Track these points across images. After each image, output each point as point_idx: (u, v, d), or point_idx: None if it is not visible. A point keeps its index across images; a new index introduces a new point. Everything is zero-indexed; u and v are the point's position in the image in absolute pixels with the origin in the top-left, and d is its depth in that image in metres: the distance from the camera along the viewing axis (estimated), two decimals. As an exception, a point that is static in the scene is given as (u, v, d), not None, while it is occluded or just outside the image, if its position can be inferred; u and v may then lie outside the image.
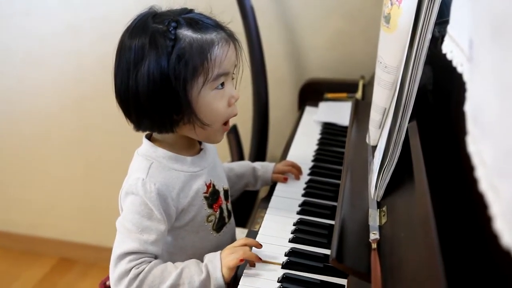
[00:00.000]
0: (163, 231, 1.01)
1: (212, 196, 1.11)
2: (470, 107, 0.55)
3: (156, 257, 1.02)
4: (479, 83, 0.52)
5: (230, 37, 1.05)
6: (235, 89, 1.08)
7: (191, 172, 1.07)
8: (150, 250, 1.00)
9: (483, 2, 0.51)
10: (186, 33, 0.98)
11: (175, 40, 0.96)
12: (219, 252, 1.03)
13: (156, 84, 0.96)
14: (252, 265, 1.03)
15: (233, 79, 1.07)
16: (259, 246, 1.06)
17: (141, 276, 0.98)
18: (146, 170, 1.02)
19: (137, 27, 1.01)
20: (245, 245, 1.04)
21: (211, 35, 1.00)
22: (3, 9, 2.12)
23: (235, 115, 1.07)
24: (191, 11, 1.04)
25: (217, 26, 1.03)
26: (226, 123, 1.07)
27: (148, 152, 1.06)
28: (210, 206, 1.10)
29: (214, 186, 1.12)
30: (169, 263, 1.01)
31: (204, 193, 1.09)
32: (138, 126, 1.04)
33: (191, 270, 1.00)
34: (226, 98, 1.03)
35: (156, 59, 0.96)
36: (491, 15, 0.48)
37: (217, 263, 1.00)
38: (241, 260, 1.00)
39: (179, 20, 0.99)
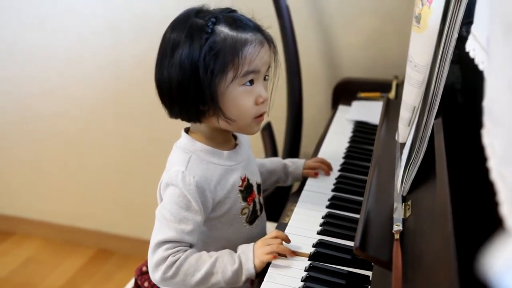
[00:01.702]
0: (200, 221, 1.06)
1: (246, 189, 1.15)
2: (486, 102, 0.58)
3: (191, 246, 1.07)
4: (493, 77, 0.55)
5: (267, 39, 1.08)
6: (271, 91, 1.11)
7: (227, 166, 1.11)
8: (186, 239, 1.05)
9: (497, 0, 0.54)
10: (223, 29, 1.02)
11: (210, 34, 1.01)
12: (252, 244, 1.07)
13: (186, 72, 1.01)
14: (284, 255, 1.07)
15: (265, 80, 1.10)
16: (287, 240, 1.09)
17: (177, 263, 1.03)
18: (186, 163, 1.07)
19: (179, 21, 1.07)
20: (276, 237, 1.07)
21: (247, 35, 1.04)
22: (47, 8, 2.21)
23: (263, 113, 1.10)
24: (234, 11, 1.09)
25: (256, 28, 1.07)
26: (258, 116, 1.09)
27: (187, 145, 1.11)
28: (245, 199, 1.14)
29: (248, 180, 1.16)
30: (204, 252, 1.06)
31: (240, 186, 1.13)
32: (171, 113, 1.09)
33: (224, 260, 1.04)
34: (253, 96, 1.06)
35: (189, 49, 1.01)
36: (503, 13, 0.51)
37: (250, 255, 1.04)
38: (274, 257, 1.03)
39: (219, 16, 1.04)
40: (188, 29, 1.03)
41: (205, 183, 1.06)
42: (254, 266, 1.03)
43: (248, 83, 1.05)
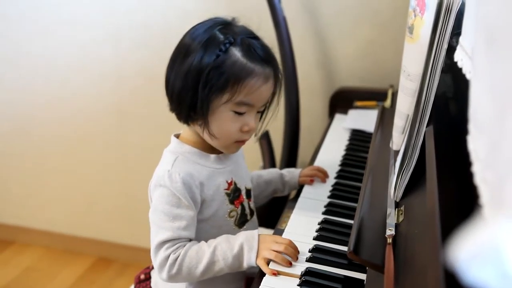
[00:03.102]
0: (193, 216, 1.10)
1: (233, 193, 1.18)
2: (471, 109, 0.61)
3: (190, 240, 1.10)
4: (476, 87, 0.58)
5: (274, 74, 1.12)
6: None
7: (213, 168, 1.15)
8: (183, 235, 1.08)
9: (481, 14, 0.57)
10: (236, 53, 1.06)
11: (223, 52, 1.05)
12: (257, 234, 1.09)
13: (188, 79, 1.06)
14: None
15: (259, 112, 1.14)
16: (295, 258, 1.08)
17: (179, 260, 1.06)
18: (172, 162, 1.12)
19: (203, 27, 1.10)
20: (283, 243, 1.08)
21: (255, 66, 1.07)
22: (50, 18, 2.24)
23: (245, 140, 1.14)
24: (256, 37, 1.11)
25: (267, 61, 1.10)
26: (240, 141, 1.14)
27: (175, 148, 1.16)
28: (232, 202, 1.18)
29: (235, 184, 1.19)
30: (202, 243, 1.09)
31: (225, 189, 1.17)
32: (170, 106, 1.14)
33: (223, 247, 1.07)
34: (240, 123, 1.10)
35: (199, 60, 1.05)
36: (486, 26, 0.54)
37: (254, 247, 1.07)
38: (274, 274, 1.04)
39: (237, 39, 1.07)
40: (206, 39, 1.07)
41: (191, 179, 1.10)
42: (256, 259, 1.06)
43: (239, 113, 1.09)
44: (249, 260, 1.07)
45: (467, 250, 0.31)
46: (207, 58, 1.05)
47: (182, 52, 1.09)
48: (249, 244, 1.07)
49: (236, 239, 1.09)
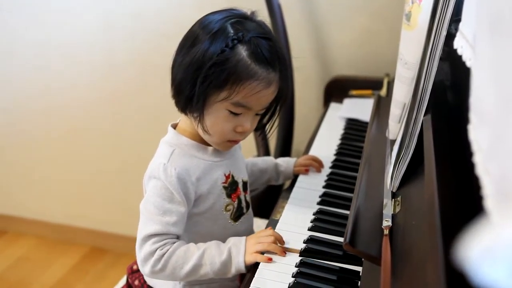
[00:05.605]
0: (184, 212, 1.07)
1: (231, 186, 1.16)
2: (472, 98, 0.59)
3: (178, 237, 1.08)
4: (479, 75, 0.56)
5: (280, 80, 1.07)
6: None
7: (211, 161, 1.12)
8: (172, 231, 1.06)
9: (484, 0, 0.55)
10: (242, 52, 1.01)
11: (230, 48, 1.00)
12: (244, 237, 1.08)
13: (190, 70, 1.01)
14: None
15: (257, 114, 1.10)
16: (282, 242, 1.09)
17: (165, 256, 1.04)
18: (168, 155, 1.08)
19: (214, 18, 1.05)
20: (270, 235, 1.08)
21: (259, 69, 1.02)
22: (41, 6, 2.21)
23: (238, 140, 1.12)
24: (268, 38, 1.05)
25: (273, 65, 1.04)
26: (232, 140, 1.11)
27: (172, 139, 1.12)
28: (229, 195, 1.15)
29: (233, 177, 1.16)
30: (192, 244, 1.07)
31: (223, 183, 1.14)
32: (171, 91, 1.09)
33: (212, 251, 1.05)
34: (235, 123, 1.06)
35: (204, 51, 1.00)
36: (490, 12, 0.52)
37: (242, 249, 1.05)
38: (269, 260, 1.04)
39: (246, 36, 1.01)
40: (216, 31, 1.02)
41: (187, 175, 1.07)
42: (244, 261, 1.04)
43: (235, 114, 1.05)
44: (237, 264, 1.05)
45: (477, 248, 0.30)
46: (212, 52, 1.00)
47: (190, 40, 1.04)
48: (237, 249, 1.06)
49: (225, 245, 1.07)
